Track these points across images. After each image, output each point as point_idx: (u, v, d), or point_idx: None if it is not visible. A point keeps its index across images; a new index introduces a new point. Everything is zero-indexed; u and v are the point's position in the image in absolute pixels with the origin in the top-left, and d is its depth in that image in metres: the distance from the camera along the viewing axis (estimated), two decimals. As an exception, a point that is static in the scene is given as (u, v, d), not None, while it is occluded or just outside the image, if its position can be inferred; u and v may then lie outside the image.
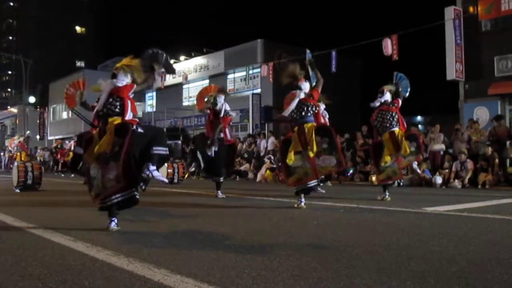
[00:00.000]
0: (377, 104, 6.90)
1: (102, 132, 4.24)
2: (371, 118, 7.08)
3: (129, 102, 4.32)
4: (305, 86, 6.06)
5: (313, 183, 5.98)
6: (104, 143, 4.11)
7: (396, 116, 6.87)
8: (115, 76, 4.37)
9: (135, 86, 4.43)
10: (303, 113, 5.90)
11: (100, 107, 4.28)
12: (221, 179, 7.77)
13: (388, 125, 6.82)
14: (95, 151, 4.14)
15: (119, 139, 4.07)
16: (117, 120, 4.24)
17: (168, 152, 4.32)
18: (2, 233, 4.19)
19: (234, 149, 8.18)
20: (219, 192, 7.78)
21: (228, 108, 7.84)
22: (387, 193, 7.04)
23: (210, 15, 71.24)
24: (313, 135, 5.76)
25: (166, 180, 4.24)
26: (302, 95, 5.97)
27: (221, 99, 7.72)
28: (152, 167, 4.15)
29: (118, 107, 4.27)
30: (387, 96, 6.92)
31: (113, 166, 4.04)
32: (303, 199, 6.05)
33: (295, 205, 6.08)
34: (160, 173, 4.25)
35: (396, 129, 6.84)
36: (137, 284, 2.39)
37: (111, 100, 4.29)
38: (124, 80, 4.37)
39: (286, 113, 5.96)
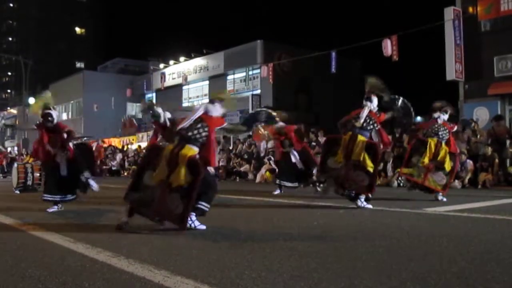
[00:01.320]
0: (441, 120, 7.14)
1: (174, 157, 4.14)
2: (425, 124, 7.34)
3: (213, 136, 4.40)
4: (375, 101, 6.19)
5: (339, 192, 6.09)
6: (178, 177, 4.06)
7: (448, 136, 7.14)
8: (213, 102, 4.48)
9: (225, 123, 4.60)
10: (365, 124, 6.04)
11: (187, 125, 4.30)
12: None
13: (439, 136, 7.05)
14: (171, 180, 4.07)
15: (189, 176, 4.07)
16: (192, 151, 4.21)
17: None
18: (2, 234, 4.19)
19: None
20: None
21: (169, 115, 7.43)
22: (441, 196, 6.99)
23: (210, 16, 71.23)
24: (363, 149, 5.88)
25: (204, 227, 4.32)
26: (372, 108, 6.12)
27: (159, 109, 7.55)
28: (194, 218, 4.22)
29: (203, 137, 4.30)
30: (446, 116, 7.25)
31: (177, 199, 4.05)
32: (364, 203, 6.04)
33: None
34: (199, 223, 4.30)
35: (443, 144, 7.07)
36: (137, 286, 2.39)
37: (199, 126, 4.31)
38: (218, 111, 4.49)
39: (359, 120, 6.03)
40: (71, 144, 6.20)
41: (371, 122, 6.09)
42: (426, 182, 6.90)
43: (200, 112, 4.39)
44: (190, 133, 4.29)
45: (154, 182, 4.16)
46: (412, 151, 7.15)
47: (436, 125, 7.17)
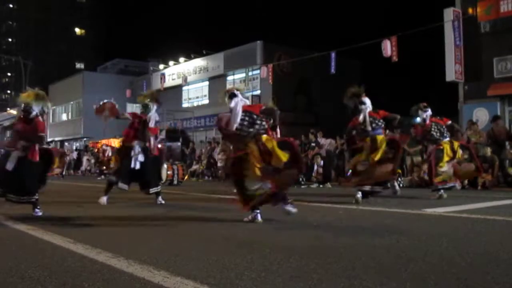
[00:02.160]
0: (426, 119, 7.51)
1: (264, 150, 4.58)
2: (420, 130, 7.69)
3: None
4: (368, 101, 6.64)
5: (376, 187, 6.58)
6: (278, 158, 4.54)
7: (446, 129, 7.58)
8: (235, 95, 4.78)
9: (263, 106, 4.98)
10: (373, 125, 6.57)
11: (238, 120, 4.64)
12: (153, 190, 6.94)
13: (444, 135, 7.48)
14: (274, 163, 4.53)
15: (286, 152, 4.58)
16: (264, 136, 4.66)
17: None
18: (2, 234, 4.19)
19: (158, 161, 7.46)
20: (159, 198, 7.03)
21: (157, 118, 7.21)
22: (442, 192, 7.31)
23: (210, 17, 71.26)
24: (383, 146, 6.50)
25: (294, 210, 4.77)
26: (368, 110, 6.60)
27: (154, 106, 7.09)
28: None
29: (265, 125, 4.74)
30: (430, 111, 7.59)
31: (288, 171, 4.57)
32: (360, 194, 6.52)
33: (353, 201, 6.51)
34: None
35: (451, 139, 7.57)
36: (136, 286, 2.39)
37: (255, 117, 4.70)
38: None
39: (367, 124, 6.58)
40: (37, 147, 5.58)
41: (376, 121, 6.58)
42: (460, 178, 7.64)
43: (240, 107, 4.70)
44: (257, 127, 4.66)
45: (257, 179, 4.58)
46: (436, 160, 7.43)
47: (435, 127, 7.42)
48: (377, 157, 6.42)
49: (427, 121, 7.50)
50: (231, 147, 5.12)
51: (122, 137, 7.40)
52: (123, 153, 6.92)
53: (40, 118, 5.69)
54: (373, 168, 6.43)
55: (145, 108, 7.07)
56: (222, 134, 5.38)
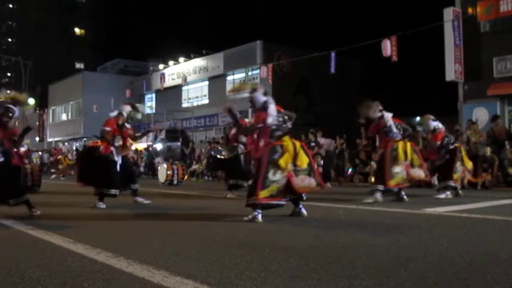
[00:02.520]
0: (438, 128, 8.07)
1: (295, 148, 4.94)
2: (440, 137, 8.05)
3: None
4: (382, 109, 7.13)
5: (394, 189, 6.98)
6: (302, 160, 4.91)
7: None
8: (266, 93, 5.19)
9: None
10: (401, 132, 7.21)
11: (276, 121, 5.02)
12: (134, 186, 7.15)
13: (453, 141, 8.15)
14: (298, 163, 4.88)
15: (306, 157, 4.97)
16: (293, 140, 5.04)
17: None
18: (2, 234, 4.19)
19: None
20: (137, 198, 7.16)
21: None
22: (449, 193, 7.60)
23: (210, 17, 71.14)
24: (413, 151, 7.13)
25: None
26: (391, 115, 7.14)
27: (138, 115, 7.47)
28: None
29: (290, 124, 5.14)
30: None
31: (305, 178, 4.86)
32: (379, 194, 6.83)
33: (370, 200, 6.79)
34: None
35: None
36: (136, 286, 2.39)
37: (286, 117, 5.11)
38: None
39: (392, 129, 7.11)
40: (22, 149, 5.67)
41: (398, 126, 7.23)
42: (465, 180, 8.56)
43: (273, 105, 5.05)
44: (288, 124, 5.10)
45: (282, 173, 4.79)
46: (458, 160, 7.98)
47: (449, 137, 8.02)
48: (416, 162, 7.06)
49: (441, 129, 8.02)
50: (260, 141, 5.13)
51: (98, 146, 7.29)
52: (108, 160, 6.81)
53: (15, 123, 5.71)
54: (408, 172, 6.97)
55: (132, 118, 7.34)
56: (246, 130, 5.69)
